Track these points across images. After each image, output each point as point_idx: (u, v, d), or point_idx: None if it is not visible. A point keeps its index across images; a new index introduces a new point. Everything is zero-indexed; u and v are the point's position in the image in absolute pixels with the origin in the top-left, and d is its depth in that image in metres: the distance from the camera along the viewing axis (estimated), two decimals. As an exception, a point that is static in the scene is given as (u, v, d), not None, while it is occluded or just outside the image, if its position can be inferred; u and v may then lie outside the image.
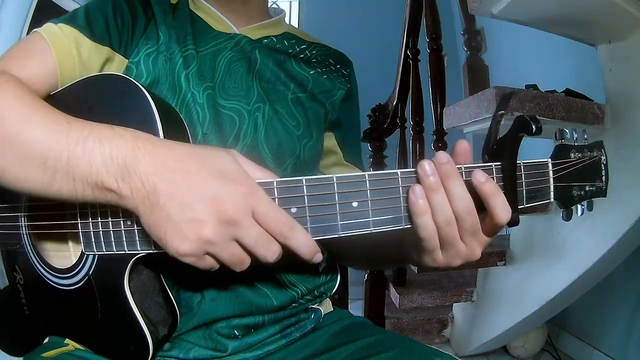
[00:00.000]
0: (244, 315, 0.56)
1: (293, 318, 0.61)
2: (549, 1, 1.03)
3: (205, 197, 0.37)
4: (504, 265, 1.54)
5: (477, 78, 1.77)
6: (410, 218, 0.41)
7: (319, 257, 0.40)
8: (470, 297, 1.69)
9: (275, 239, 0.38)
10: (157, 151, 0.39)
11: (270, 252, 0.39)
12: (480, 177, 0.40)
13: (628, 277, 1.51)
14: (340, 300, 1.37)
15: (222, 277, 0.54)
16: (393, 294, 1.70)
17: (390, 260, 0.59)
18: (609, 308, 1.61)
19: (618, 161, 1.11)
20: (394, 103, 1.86)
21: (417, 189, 0.39)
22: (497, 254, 1.54)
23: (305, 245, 0.39)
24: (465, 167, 0.42)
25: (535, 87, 1.30)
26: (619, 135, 1.12)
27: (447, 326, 1.90)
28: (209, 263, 0.39)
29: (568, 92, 1.25)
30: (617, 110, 1.15)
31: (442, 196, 0.39)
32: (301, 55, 0.68)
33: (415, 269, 1.48)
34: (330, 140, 0.69)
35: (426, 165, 0.39)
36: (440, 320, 1.90)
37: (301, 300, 0.61)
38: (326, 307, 0.68)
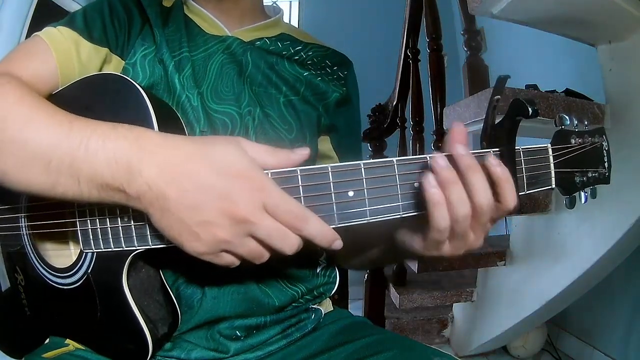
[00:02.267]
0: (246, 315, 0.56)
1: (294, 318, 0.61)
2: (549, 1, 1.03)
3: (214, 198, 0.37)
4: (504, 265, 1.54)
5: (477, 78, 1.77)
6: (425, 208, 0.39)
7: (338, 244, 0.39)
8: (470, 297, 1.69)
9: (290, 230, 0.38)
10: (161, 152, 0.38)
11: (287, 245, 0.38)
12: (493, 161, 0.39)
13: (628, 277, 1.51)
14: (341, 300, 1.37)
15: (223, 275, 0.54)
16: (393, 294, 1.70)
17: (383, 256, 0.58)
18: (609, 308, 1.61)
19: (618, 161, 1.10)
20: (394, 103, 1.86)
21: (431, 177, 0.38)
22: (497, 254, 1.54)
23: (320, 234, 0.38)
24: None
25: (535, 87, 1.30)
26: (619, 135, 1.12)
27: (447, 326, 1.90)
28: (228, 260, 0.40)
29: (568, 92, 1.26)
30: (617, 110, 1.15)
31: (461, 190, 0.38)
32: (296, 57, 0.67)
33: (415, 268, 1.48)
34: (325, 144, 0.68)
35: (439, 159, 0.38)
36: (440, 320, 1.90)
37: (301, 300, 0.61)
38: (326, 306, 0.68)
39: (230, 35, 0.63)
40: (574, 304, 1.55)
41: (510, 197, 0.39)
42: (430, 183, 0.38)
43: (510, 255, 1.54)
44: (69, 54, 0.54)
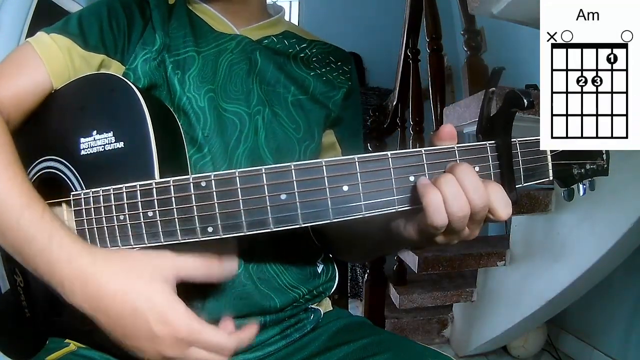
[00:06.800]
0: (248, 316, 0.56)
1: (293, 319, 0.61)
2: (549, 1, 1.03)
3: (143, 338, 0.41)
4: (504, 265, 1.54)
5: (477, 78, 1.77)
6: (422, 207, 0.39)
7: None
8: (470, 297, 1.69)
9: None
10: (88, 288, 0.41)
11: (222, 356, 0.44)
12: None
13: (628, 277, 1.51)
14: (340, 299, 1.37)
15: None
16: (393, 294, 1.71)
17: (379, 245, 0.57)
18: (609, 308, 1.61)
19: (618, 161, 1.10)
20: (394, 103, 1.86)
21: (424, 178, 0.39)
22: (497, 254, 1.54)
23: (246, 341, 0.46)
24: (458, 147, 0.40)
25: (535, 87, 1.30)
26: (619, 135, 1.12)
27: (447, 326, 1.90)
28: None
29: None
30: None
31: (455, 185, 0.38)
32: (301, 55, 0.67)
33: (415, 268, 1.48)
34: (330, 137, 0.68)
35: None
36: (440, 320, 1.90)
37: (301, 300, 0.61)
38: (325, 306, 0.68)
39: (239, 33, 0.63)
40: (574, 304, 1.55)
41: (501, 207, 0.39)
42: (424, 183, 0.38)
43: (510, 255, 1.54)
44: (64, 65, 0.53)
